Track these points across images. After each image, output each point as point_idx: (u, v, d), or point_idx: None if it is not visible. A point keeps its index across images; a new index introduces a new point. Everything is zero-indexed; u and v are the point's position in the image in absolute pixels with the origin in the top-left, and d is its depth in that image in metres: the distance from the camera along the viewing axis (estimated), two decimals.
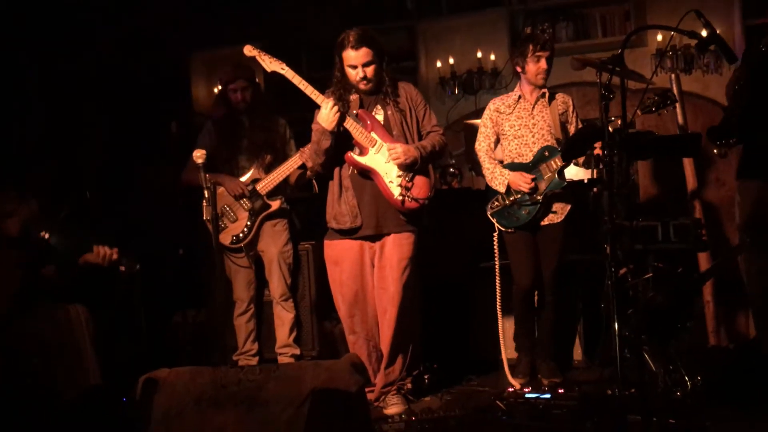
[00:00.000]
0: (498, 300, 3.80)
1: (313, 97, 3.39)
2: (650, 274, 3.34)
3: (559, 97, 3.83)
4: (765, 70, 2.96)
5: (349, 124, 3.40)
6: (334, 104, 3.33)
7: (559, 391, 3.56)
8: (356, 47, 3.34)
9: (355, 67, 3.39)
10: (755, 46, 3.06)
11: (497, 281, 3.80)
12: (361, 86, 3.44)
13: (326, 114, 3.33)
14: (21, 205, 3.12)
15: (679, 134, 4.13)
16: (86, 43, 4.71)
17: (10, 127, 4.18)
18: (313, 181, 3.99)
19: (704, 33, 2.98)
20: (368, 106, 3.52)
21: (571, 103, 3.84)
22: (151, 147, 4.81)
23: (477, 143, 3.89)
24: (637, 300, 3.25)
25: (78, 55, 4.63)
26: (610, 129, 2.80)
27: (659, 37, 4.88)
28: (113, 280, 3.24)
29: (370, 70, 3.40)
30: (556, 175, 3.68)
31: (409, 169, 3.43)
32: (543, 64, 3.69)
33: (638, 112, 3.44)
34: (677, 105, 4.12)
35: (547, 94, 3.79)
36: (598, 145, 3.41)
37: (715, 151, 3.50)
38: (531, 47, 3.68)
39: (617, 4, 5.08)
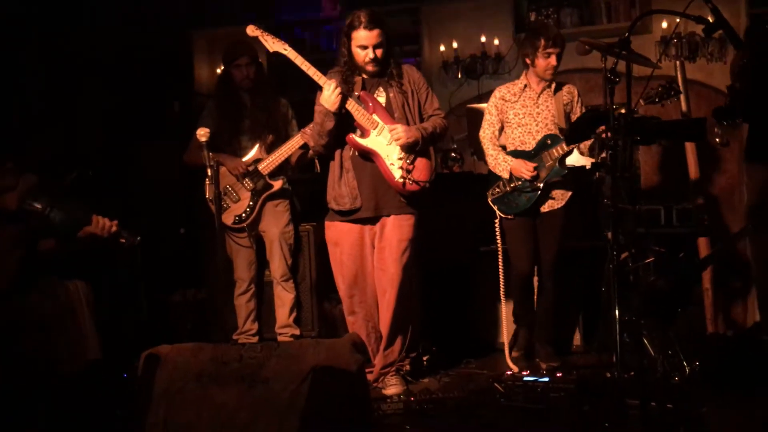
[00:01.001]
0: (501, 285, 3.81)
1: (315, 78, 3.38)
2: (651, 259, 3.35)
3: (565, 87, 3.84)
4: None
5: (351, 105, 3.39)
6: (336, 86, 3.32)
7: (558, 374, 3.58)
8: (369, 27, 3.33)
9: (365, 47, 3.37)
10: (760, 27, 3.04)
11: (500, 267, 3.81)
12: (369, 67, 3.43)
13: (328, 95, 3.32)
14: (20, 179, 3.10)
15: (683, 119, 4.12)
16: (88, 17, 4.69)
17: (9, 100, 4.16)
18: (316, 160, 3.98)
19: (710, 19, 2.97)
20: (371, 88, 3.51)
21: (576, 93, 3.84)
22: (154, 126, 4.79)
23: (481, 130, 3.90)
24: (637, 284, 3.26)
25: (80, 29, 4.61)
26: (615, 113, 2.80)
27: (664, 24, 4.86)
28: (114, 254, 3.23)
29: (380, 52, 3.39)
30: (557, 163, 3.69)
31: (410, 150, 3.42)
32: (553, 60, 3.69)
33: (641, 102, 3.43)
34: (681, 93, 4.11)
35: (553, 85, 3.80)
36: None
37: (717, 140, 3.49)
38: (543, 42, 3.67)
39: None
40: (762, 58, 2.85)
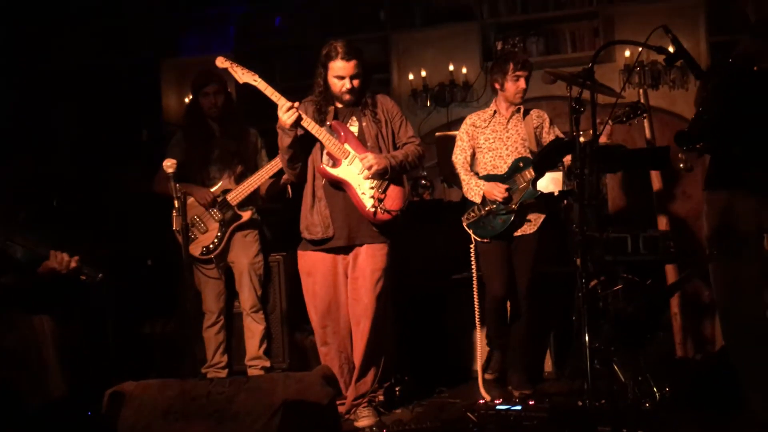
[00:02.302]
0: (476, 311, 3.81)
1: (279, 104, 3.37)
2: (620, 286, 3.38)
3: (534, 112, 3.91)
4: (732, 82, 3.03)
5: (323, 135, 3.39)
6: (290, 106, 3.30)
7: (530, 402, 3.56)
8: (347, 59, 3.35)
9: (342, 78, 3.39)
10: (723, 58, 3.12)
11: (475, 293, 3.81)
12: (346, 97, 3.45)
13: (281, 114, 3.31)
14: None
15: (648, 147, 4.20)
16: (57, 45, 4.66)
17: None
18: (288, 186, 3.97)
19: (671, 49, 3.04)
20: (343, 117, 3.51)
21: (546, 117, 3.91)
22: (122, 154, 4.75)
23: (454, 155, 3.95)
24: (607, 311, 3.28)
25: (49, 56, 4.57)
26: (582, 141, 2.83)
27: (627, 53, 4.96)
28: (79, 289, 3.17)
29: (357, 82, 3.41)
30: (531, 185, 3.73)
31: (380, 177, 3.42)
32: (522, 83, 3.77)
33: (610, 122, 3.49)
34: (645, 120, 4.19)
35: (522, 110, 3.86)
36: None
37: (681, 165, 3.55)
38: (511, 66, 3.75)
39: (586, 20, 5.17)
40: (725, 91, 2.92)
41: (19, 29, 4.46)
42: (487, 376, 3.79)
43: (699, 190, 4.86)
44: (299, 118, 3.32)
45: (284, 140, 3.38)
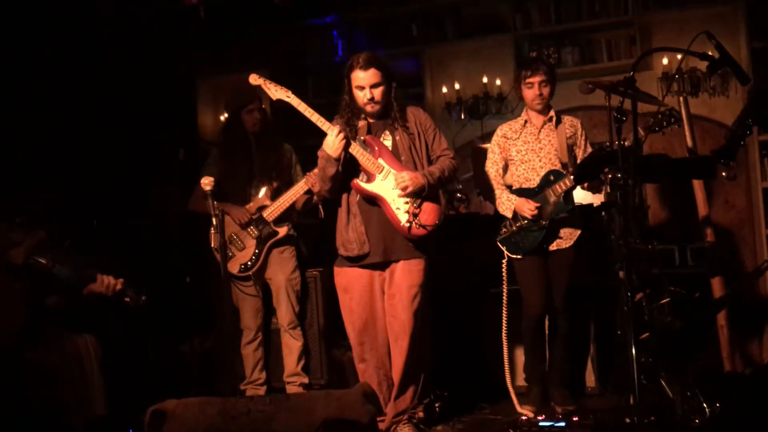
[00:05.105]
0: (504, 329, 3.75)
1: (318, 124, 3.38)
2: (667, 299, 3.29)
3: (567, 120, 3.81)
4: None
5: (356, 150, 3.38)
6: (340, 131, 3.31)
7: (574, 419, 3.49)
8: (365, 68, 3.35)
9: (362, 88, 3.38)
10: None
11: (504, 310, 3.75)
12: (368, 108, 3.43)
13: (332, 141, 3.32)
14: (28, 234, 3.09)
15: (693, 157, 4.09)
16: (94, 65, 4.73)
17: (19, 147, 4.17)
18: (320, 206, 3.97)
19: (715, 55, 2.97)
20: (376, 131, 3.50)
21: (579, 126, 3.81)
22: (159, 173, 4.80)
23: (486, 167, 3.90)
24: (653, 325, 3.19)
25: (86, 76, 4.64)
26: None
27: (665, 61, 4.88)
28: (120, 310, 3.20)
29: (377, 92, 3.39)
30: (562, 199, 3.65)
31: (417, 196, 3.40)
32: (536, 90, 3.69)
33: (641, 131, 3.40)
34: (686, 128, 4.10)
35: (554, 118, 3.78)
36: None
37: (723, 174, 3.46)
38: (523, 73, 3.72)
39: (622, 28, 5.09)
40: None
41: (54, 54, 4.54)
42: (525, 411, 3.69)
43: (742, 199, 4.78)
44: (348, 144, 3.32)
45: (329, 170, 3.36)
